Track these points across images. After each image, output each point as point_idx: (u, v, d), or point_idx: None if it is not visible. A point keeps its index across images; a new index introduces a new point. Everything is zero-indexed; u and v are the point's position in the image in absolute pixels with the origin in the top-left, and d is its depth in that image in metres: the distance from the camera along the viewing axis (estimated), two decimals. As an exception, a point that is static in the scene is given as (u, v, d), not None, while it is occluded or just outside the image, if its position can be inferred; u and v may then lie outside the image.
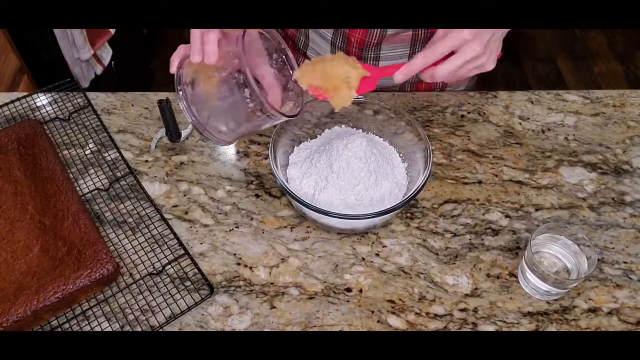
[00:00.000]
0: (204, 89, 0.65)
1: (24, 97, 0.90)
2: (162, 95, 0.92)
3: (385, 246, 0.74)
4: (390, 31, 0.83)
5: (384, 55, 0.88)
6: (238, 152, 0.84)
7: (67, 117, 0.87)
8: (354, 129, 0.82)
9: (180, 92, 0.64)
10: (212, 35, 0.61)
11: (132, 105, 0.91)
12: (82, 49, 1.58)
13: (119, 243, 0.73)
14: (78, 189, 0.78)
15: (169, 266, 0.71)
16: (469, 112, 0.89)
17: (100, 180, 0.80)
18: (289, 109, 0.67)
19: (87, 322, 0.66)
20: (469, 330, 0.66)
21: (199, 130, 0.66)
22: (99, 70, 1.70)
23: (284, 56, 0.68)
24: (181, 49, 0.66)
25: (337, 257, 0.73)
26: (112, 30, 1.72)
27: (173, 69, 0.66)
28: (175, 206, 0.78)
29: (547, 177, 0.81)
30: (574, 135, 0.87)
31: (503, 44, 0.78)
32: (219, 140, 0.67)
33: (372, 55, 0.87)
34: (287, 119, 0.64)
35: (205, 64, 0.62)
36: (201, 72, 0.65)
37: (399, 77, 0.64)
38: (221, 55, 0.62)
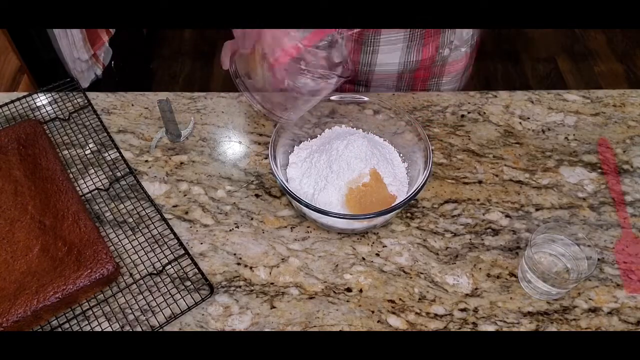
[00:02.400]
0: (260, 75, 0.68)
1: (24, 97, 0.90)
2: (162, 95, 0.92)
3: (386, 246, 0.74)
4: None
5: (383, 40, 0.87)
6: (238, 152, 0.84)
7: (67, 117, 0.87)
8: (354, 129, 0.82)
9: (240, 85, 0.69)
10: None
11: (132, 105, 0.91)
12: (82, 49, 1.58)
13: (119, 243, 0.73)
14: (78, 189, 0.78)
15: (169, 266, 0.71)
16: (469, 112, 0.89)
17: (100, 180, 0.80)
18: (340, 70, 0.70)
19: (87, 322, 0.66)
20: (469, 330, 0.66)
21: (266, 115, 0.71)
22: (99, 70, 1.70)
23: None
24: (228, 46, 0.69)
25: (337, 257, 0.73)
26: (112, 30, 1.72)
27: (226, 66, 0.70)
28: (175, 206, 0.78)
29: (547, 177, 0.81)
30: (574, 135, 0.87)
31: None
32: (287, 119, 0.72)
33: (370, 48, 0.87)
34: (343, 79, 0.67)
35: (254, 52, 0.65)
36: (252, 61, 0.68)
37: None
38: None
